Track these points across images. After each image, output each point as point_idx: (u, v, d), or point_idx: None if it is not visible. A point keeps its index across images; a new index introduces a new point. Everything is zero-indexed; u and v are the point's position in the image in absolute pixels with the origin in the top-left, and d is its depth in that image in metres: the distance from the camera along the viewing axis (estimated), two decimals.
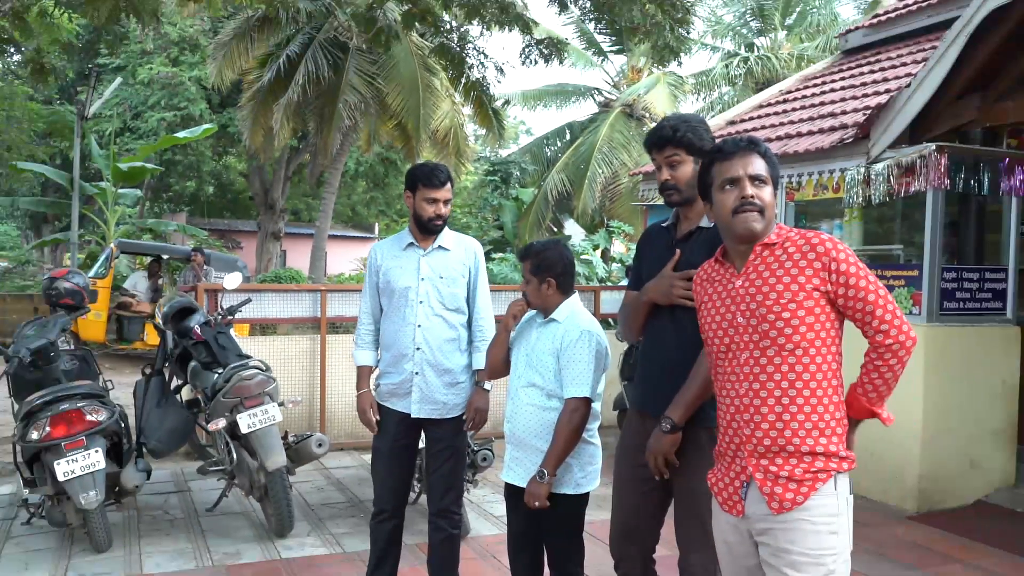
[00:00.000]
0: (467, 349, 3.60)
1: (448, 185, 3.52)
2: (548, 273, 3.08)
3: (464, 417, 3.58)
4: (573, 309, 3.12)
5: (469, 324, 3.63)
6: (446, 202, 3.51)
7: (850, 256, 2.17)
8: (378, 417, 3.59)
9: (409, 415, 3.53)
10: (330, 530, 4.82)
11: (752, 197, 2.23)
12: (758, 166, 2.26)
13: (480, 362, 3.55)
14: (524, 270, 3.12)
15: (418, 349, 3.49)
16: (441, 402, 3.52)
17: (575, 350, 3.00)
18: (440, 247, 3.57)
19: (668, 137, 2.83)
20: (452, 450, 3.57)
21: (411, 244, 3.59)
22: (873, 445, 5.66)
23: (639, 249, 3.13)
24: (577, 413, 2.98)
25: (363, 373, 3.67)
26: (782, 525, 2.17)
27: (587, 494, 3.13)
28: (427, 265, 3.54)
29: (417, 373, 3.49)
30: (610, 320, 8.42)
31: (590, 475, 3.12)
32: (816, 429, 2.16)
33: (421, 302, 3.50)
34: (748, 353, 2.23)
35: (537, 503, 2.96)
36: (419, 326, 3.50)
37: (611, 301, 7.79)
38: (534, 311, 3.22)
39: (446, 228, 3.64)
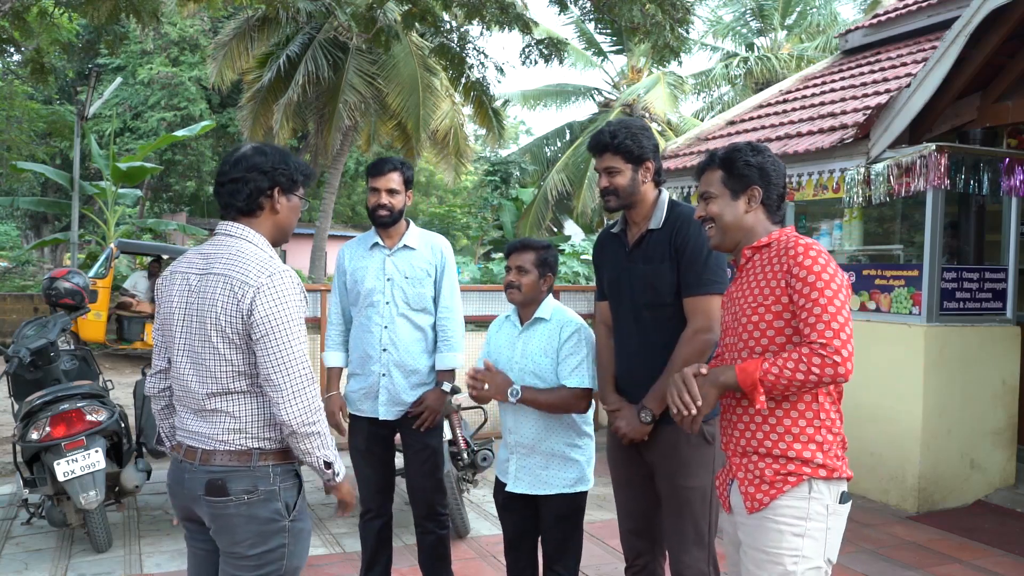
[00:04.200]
0: (433, 349, 3.54)
1: (393, 175, 3.42)
2: (551, 271, 3.10)
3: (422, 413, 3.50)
4: (556, 306, 3.12)
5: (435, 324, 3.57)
6: (390, 191, 3.42)
7: (816, 264, 2.11)
8: (347, 421, 3.56)
9: (378, 418, 3.51)
10: (330, 530, 4.81)
11: (702, 217, 2.38)
12: (707, 182, 2.36)
13: (443, 363, 3.51)
14: (524, 261, 3.06)
15: (384, 351, 3.46)
16: (407, 403, 3.49)
17: (574, 342, 3.00)
18: (405, 246, 3.51)
19: (606, 143, 2.81)
20: (429, 450, 3.54)
21: (376, 244, 3.53)
22: (873, 445, 5.66)
23: (595, 258, 3.11)
24: (581, 401, 2.97)
25: (332, 375, 3.62)
26: (752, 523, 2.21)
27: (587, 491, 3.14)
28: (392, 265, 3.49)
29: (384, 375, 3.46)
30: None
31: (592, 469, 3.13)
32: (789, 434, 2.16)
33: (387, 303, 3.46)
34: (731, 355, 2.29)
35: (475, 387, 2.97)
36: (385, 327, 3.46)
37: None
38: (503, 318, 3.21)
39: (412, 225, 3.57)
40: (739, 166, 2.31)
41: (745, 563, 2.23)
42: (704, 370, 2.23)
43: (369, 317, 3.49)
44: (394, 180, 3.44)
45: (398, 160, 3.52)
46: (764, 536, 2.17)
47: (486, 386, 2.97)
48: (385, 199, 3.43)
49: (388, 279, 3.47)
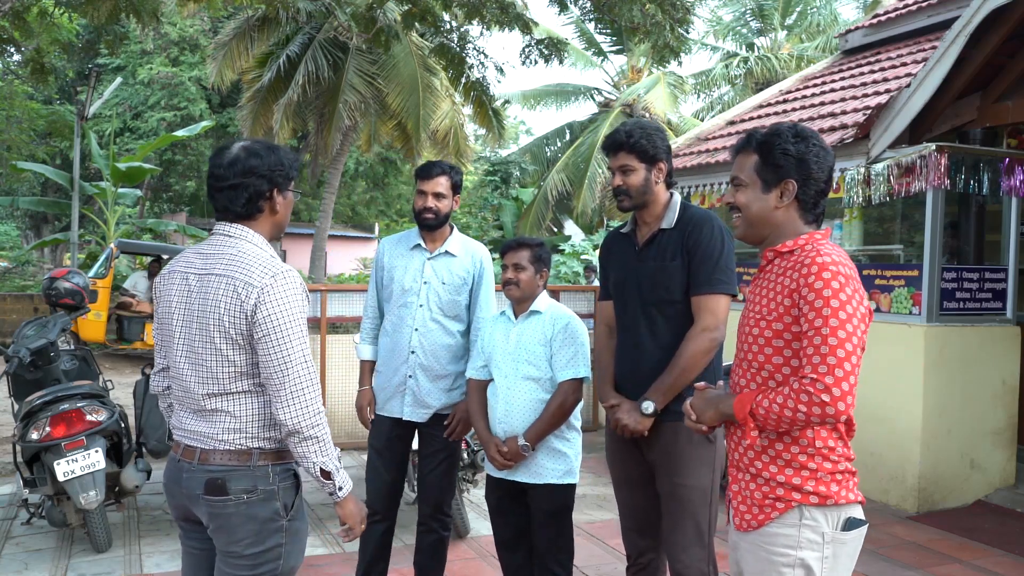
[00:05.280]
0: (464, 356, 3.54)
1: (440, 179, 3.45)
2: (545, 267, 3.21)
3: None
4: (551, 300, 3.25)
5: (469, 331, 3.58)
6: (437, 195, 3.44)
7: (828, 288, 1.93)
8: (374, 417, 3.58)
9: (401, 418, 3.51)
10: (330, 530, 4.82)
11: (729, 203, 2.20)
12: (740, 166, 2.16)
13: None
14: (520, 258, 3.18)
15: (412, 352, 3.46)
16: (433, 407, 3.48)
17: (567, 334, 3.11)
18: (447, 252, 3.52)
19: (621, 142, 2.85)
20: (447, 451, 3.53)
21: (418, 246, 3.54)
22: (873, 445, 5.66)
23: (601, 259, 3.15)
24: (573, 395, 3.08)
25: (365, 369, 3.64)
26: (743, 542, 2.13)
27: (576, 484, 3.21)
28: (431, 269, 3.50)
29: (410, 376, 3.46)
30: None
31: (579, 463, 3.22)
32: (780, 458, 2.03)
33: (421, 306, 3.46)
34: (736, 363, 2.20)
35: (504, 466, 3.11)
36: (416, 330, 3.46)
37: None
38: (497, 314, 3.32)
39: (456, 231, 3.59)
40: (776, 154, 2.08)
41: None
42: (706, 387, 2.22)
43: (401, 317, 3.49)
44: (442, 184, 3.46)
45: (447, 164, 3.55)
46: (756, 563, 2.07)
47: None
48: (431, 202, 3.45)
49: (425, 282, 3.48)
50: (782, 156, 2.08)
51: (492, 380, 3.23)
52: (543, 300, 3.20)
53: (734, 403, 2.05)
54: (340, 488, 2.26)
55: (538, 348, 3.11)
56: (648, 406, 2.74)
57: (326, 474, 2.23)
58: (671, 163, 2.92)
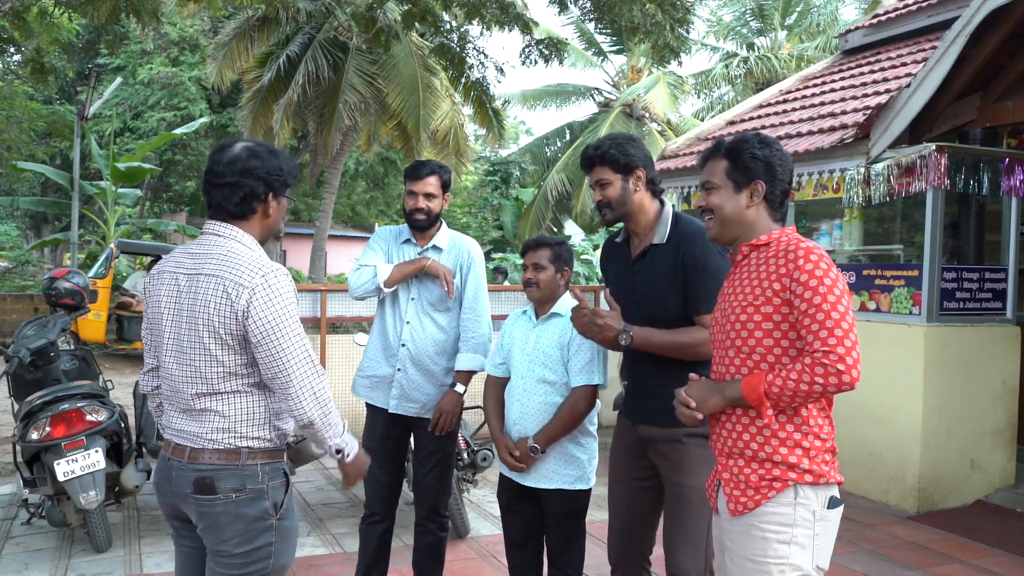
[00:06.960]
0: (453, 352, 3.51)
1: (430, 179, 3.44)
2: (567, 266, 3.15)
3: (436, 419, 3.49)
4: (572, 303, 3.14)
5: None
6: (427, 195, 3.43)
7: (819, 269, 2.07)
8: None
9: (387, 410, 3.49)
10: (330, 530, 4.81)
11: (701, 207, 2.33)
12: (711, 171, 2.31)
13: (462, 363, 3.47)
14: (540, 258, 3.11)
15: (403, 346, 3.46)
16: (421, 402, 3.46)
17: (584, 339, 3.01)
18: (434, 246, 3.52)
19: (591, 156, 2.84)
20: (441, 453, 3.52)
21: (408, 240, 3.55)
22: (873, 445, 5.66)
23: (603, 264, 3.13)
24: (585, 401, 3.02)
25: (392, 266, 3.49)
26: (737, 529, 2.17)
27: (591, 488, 3.16)
28: None
29: (399, 369, 3.46)
30: None
31: (594, 469, 3.16)
32: (775, 438, 2.11)
33: (412, 299, 3.47)
34: (721, 353, 2.26)
35: (515, 468, 3.06)
36: (407, 323, 3.47)
37: None
38: (519, 312, 3.25)
39: (444, 227, 3.58)
40: (745, 158, 2.25)
41: (732, 571, 2.20)
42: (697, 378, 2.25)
43: (393, 311, 3.50)
44: (431, 184, 3.44)
45: (436, 164, 3.53)
46: (750, 543, 2.12)
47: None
48: (422, 203, 3.44)
49: (415, 276, 3.48)
50: (751, 160, 2.26)
51: (510, 379, 3.20)
52: (565, 302, 3.13)
53: (742, 386, 2.11)
54: (349, 455, 2.40)
55: (555, 352, 3.06)
56: (625, 338, 2.70)
57: (339, 451, 2.36)
58: (653, 170, 2.86)
